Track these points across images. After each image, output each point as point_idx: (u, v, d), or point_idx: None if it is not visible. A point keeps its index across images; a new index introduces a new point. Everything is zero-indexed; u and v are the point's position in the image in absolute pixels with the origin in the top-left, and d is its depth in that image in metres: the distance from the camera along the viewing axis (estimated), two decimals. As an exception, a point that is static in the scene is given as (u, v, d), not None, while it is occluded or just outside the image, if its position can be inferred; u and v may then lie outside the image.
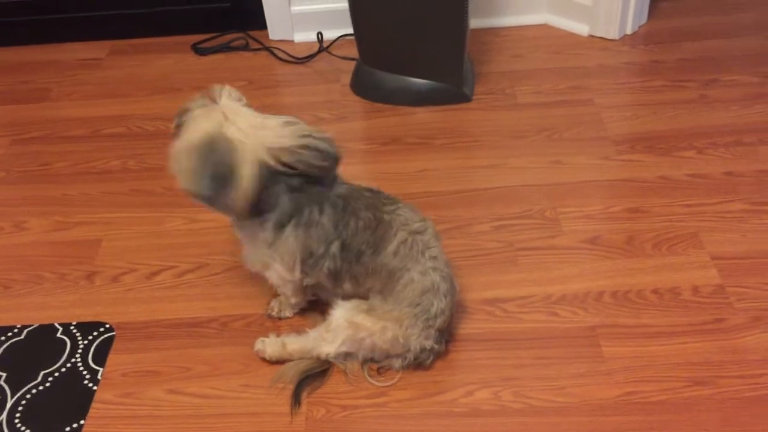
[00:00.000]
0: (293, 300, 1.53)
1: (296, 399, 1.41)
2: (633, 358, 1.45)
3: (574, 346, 1.48)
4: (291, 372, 1.45)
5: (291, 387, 1.43)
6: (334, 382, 1.45)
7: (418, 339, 1.39)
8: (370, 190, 1.43)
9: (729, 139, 1.98)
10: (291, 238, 1.36)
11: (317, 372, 1.45)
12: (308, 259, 1.39)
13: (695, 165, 1.90)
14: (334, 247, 1.37)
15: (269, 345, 1.47)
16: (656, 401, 1.38)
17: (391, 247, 1.37)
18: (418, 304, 1.37)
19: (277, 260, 1.40)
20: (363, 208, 1.38)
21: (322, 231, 1.36)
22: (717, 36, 2.40)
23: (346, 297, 1.46)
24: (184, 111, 1.30)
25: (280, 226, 1.35)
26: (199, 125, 1.25)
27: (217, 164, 1.23)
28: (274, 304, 1.57)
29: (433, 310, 1.38)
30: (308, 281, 1.45)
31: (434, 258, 1.39)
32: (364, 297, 1.44)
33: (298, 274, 1.42)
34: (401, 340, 1.38)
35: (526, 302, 1.58)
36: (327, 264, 1.39)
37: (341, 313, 1.41)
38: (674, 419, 1.34)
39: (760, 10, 2.52)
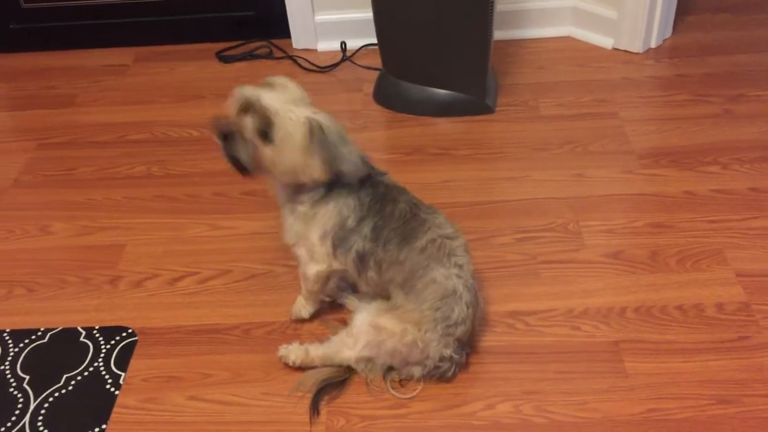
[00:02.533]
0: (312, 287, 1.52)
1: (315, 407, 1.42)
2: (656, 375, 1.44)
3: (597, 360, 1.47)
4: (311, 381, 1.45)
5: (310, 395, 1.43)
6: (355, 393, 1.44)
7: (438, 346, 1.38)
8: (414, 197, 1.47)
9: (754, 154, 1.96)
10: (331, 204, 1.40)
11: (337, 381, 1.45)
12: (339, 232, 1.41)
13: (720, 180, 1.89)
14: (366, 228, 1.40)
15: (293, 351, 1.48)
16: (679, 419, 1.36)
17: (420, 242, 1.38)
18: (438, 308, 1.37)
19: (313, 229, 1.42)
20: (402, 201, 1.42)
21: (357, 202, 1.40)
22: (742, 51, 2.38)
23: (368, 288, 1.47)
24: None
25: (319, 199, 1.40)
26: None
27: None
28: (294, 309, 1.58)
29: (454, 317, 1.38)
30: (335, 266, 1.46)
31: (460, 266, 1.39)
32: (384, 291, 1.45)
33: (328, 247, 1.43)
34: (420, 345, 1.38)
35: (548, 315, 1.57)
36: (356, 245, 1.41)
37: (363, 316, 1.42)
38: (698, 437, 1.33)
39: (787, 25, 2.50)
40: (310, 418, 1.40)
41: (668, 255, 1.68)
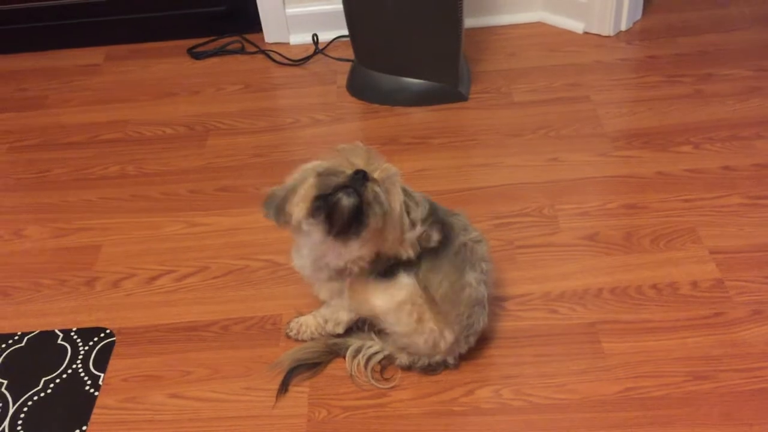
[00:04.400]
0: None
1: (284, 385, 1.43)
2: (633, 354, 1.45)
3: (574, 342, 1.48)
4: (287, 360, 1.46)
5: (283, 373, 1.44)
6: (335, 384, 1.45)
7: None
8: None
9: (725, 133, 1.98)
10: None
11: (311, 363, 1.45)
12: None
13: (692, 160, 1.90)
14: None
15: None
16: (657, 396, 1.38)
17: (454, 246, 1.34)
18: (470, 315, 1.35)
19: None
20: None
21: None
22: (712, 30, 2.40)
23: None
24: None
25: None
26: None
27: None
28: (294, 325, 1.53)
29: (476, 326, 1.37)
30: None
31: (485, 273, 1.37)
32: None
33: None
34: (443, 346, 1.37)
35: (525, 300, 1.58)
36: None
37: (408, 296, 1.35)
38: (675, 414, 1.35)
39: (754, 4, 2.52)
40: (277, 395, 1.41)
41: (642, 235, 1.70)
